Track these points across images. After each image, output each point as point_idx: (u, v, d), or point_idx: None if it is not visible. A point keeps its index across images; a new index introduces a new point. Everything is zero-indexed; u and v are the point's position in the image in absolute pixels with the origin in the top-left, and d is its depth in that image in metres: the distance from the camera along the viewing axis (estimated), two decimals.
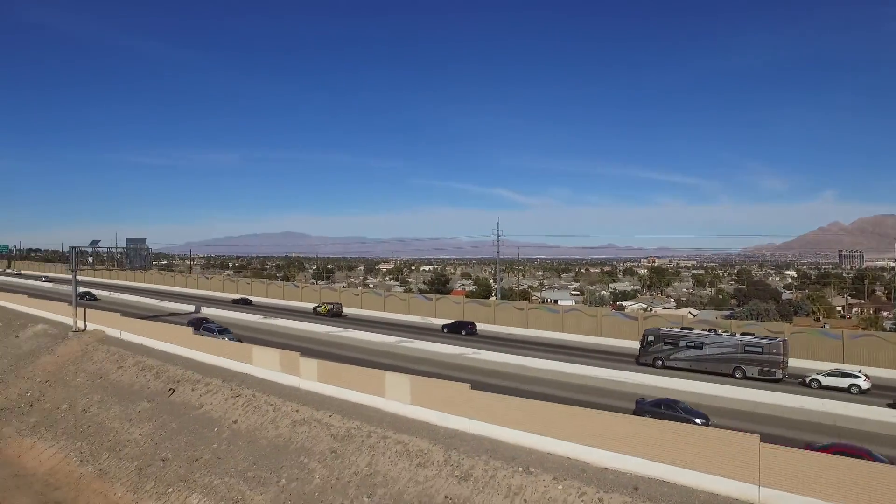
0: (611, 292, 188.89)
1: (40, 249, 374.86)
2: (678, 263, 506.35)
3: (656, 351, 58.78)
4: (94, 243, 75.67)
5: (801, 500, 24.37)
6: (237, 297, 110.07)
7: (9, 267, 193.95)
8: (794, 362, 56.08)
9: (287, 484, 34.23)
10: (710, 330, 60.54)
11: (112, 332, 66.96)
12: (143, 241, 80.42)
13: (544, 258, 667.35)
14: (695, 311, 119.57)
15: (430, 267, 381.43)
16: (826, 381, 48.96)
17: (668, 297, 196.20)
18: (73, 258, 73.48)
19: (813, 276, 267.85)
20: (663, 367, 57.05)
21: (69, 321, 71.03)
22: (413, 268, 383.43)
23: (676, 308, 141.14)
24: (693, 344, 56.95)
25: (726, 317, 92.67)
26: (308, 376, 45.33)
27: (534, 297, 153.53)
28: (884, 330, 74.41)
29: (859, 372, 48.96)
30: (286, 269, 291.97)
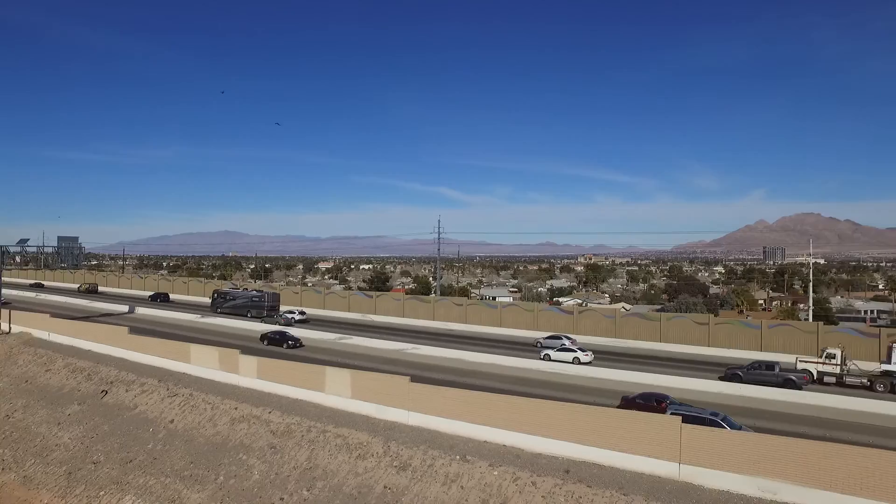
0: (548, 289, 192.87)
1: None
2: (613, 260, 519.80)
3: (217, 303, 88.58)
4: (23, 242, 72.55)
5: (716, 473, 26.20)
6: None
7: None
8: (713, 351, 61.44)
9: (225, 481, 34.12)
10: (244, 289, 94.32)
11: (40, 333, 64.58)
12: (75, 239, 78.05)
13: (484, 256, 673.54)
14: (628, 306, 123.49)
15: (370, 265, 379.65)
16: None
17: (602, 293, 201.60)
18: None
19: (738, 272, 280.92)
20: (219, 313, 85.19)
21: None
22: (352, 266, 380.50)
23: (611, 303, 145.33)
24: (233, 298, 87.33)
25: (657, 310, 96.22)
26: (247, 374, 45.10)
27: (472, 294, 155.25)
28: (798, 320, 79.09)
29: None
30: (223, 268, 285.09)
